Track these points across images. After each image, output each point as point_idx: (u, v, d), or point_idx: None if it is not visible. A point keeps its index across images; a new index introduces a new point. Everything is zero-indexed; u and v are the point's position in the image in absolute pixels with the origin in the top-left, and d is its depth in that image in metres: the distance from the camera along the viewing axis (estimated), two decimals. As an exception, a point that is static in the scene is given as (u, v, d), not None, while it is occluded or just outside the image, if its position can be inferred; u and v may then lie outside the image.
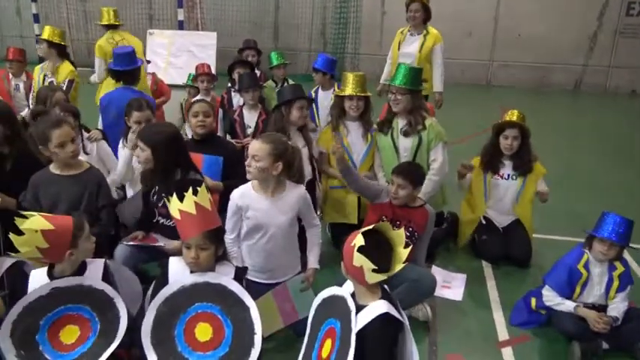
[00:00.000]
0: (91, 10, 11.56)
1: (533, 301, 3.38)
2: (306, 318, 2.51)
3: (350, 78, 3.94)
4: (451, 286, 3.76)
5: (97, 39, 6.23)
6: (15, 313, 2.43)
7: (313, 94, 5.16)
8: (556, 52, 10.88)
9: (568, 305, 3.17)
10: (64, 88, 5.03)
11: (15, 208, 2.97)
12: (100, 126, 4.38)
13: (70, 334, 2.49)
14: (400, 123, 3.99)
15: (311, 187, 3.70)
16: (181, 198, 2.45)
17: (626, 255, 3.52)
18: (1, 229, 2.47)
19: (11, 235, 2.36)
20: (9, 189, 3.03)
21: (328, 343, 2.33)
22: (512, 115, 4.10)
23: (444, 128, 4.06)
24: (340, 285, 2.42)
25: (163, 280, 2.58)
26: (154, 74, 6.29)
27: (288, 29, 11.64)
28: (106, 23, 6.20)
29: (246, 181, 2.98)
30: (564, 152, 6.95)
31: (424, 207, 3.48)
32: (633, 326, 3.11)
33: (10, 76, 6.12)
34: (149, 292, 2.71)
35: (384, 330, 2.20)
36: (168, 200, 2.54)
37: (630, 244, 3.14)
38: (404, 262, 2.21)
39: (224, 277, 2.56)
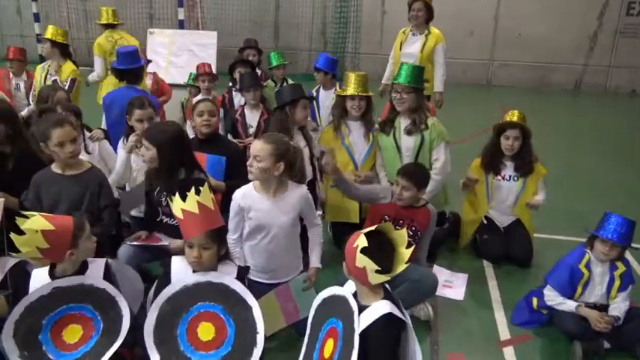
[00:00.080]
0: (92, 9, 11.54)
1: (535, 301, 3.38)
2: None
3: (352, 78, 3.94)
4: (452, 285, 3.77)
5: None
6: (17, 314, 2.44)
7: (314, 94, 5.17)
8: (556, 51, 10.88)
9: (570, 305, 3.17)
10: (67, 87, 5.04)
11: (17, 207, 2.97)
12: (103, 125, 4.38)
13: (72, 334, 2.50)
14: (403, 122, 3.99)
15: (311, 187, 3.70)
16: (185, 197, 2.46)
17: (628, 255, 3.52)
18: (4, 229, 2.45)
19: (12, 235, 2.37)
20: (11, 188, 3.02)
21: (330, 343, 2.33)
22: (513, 116, 4.10)
23: (444, 128, 4.06)
24: (341, 284, 2.42)
25: (166, 280, 2.59)
26: (154, 74, 6.29)
27: (289, 28, 11.63)
28: (105, 22, 6.23)
29: (248, 181, 2.98)
30: (564, 152, 6.95)
31: (426, 206, 3.49)
32: (634, 326, 3.11)
33: (11, 75, 6.12)
34: (151, 291, 2.73)
35: (387, 330, 2.20)
36: (172, 200, 2.55)
37: (632, 245, 3.14)
38: (406, 263, 2.22)
39: (226, 276, 2.56)
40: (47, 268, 2.57)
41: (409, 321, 2.28)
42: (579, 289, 3.21)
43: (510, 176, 4.13)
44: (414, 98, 3.91)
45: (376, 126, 4.12)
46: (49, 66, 5.64)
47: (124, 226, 3.63)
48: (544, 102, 9.96)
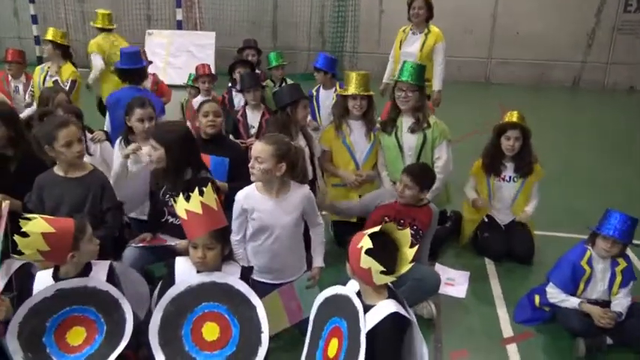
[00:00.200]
0: (89, 10, 11.48)
1: (537, 299, 3.40)
2: (311, 317, 2.52)
3: (353, 77, 3.95)
4: (454, 283, 3.78)
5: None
6: (21, 315, 2.44)
7: (314, 93, 5.18)
8: (554, 49, 10.89)
9: (572, 302, 3.19)
10: (67, 89, 5.04)
11: (20, 209, 2.97)
12: (105, 127, 4.38)
13: (76, 336, 2.51)
14: (405, 121, 4.00)
15: (311, 187, 3.70)
16: (189, 197, 2.46)
17: (629, 251, 3.53)
18: (8, 231, 2.46)
19: (16, 237, 2.37)
20: (14, 190, 3.02)
21: (334, 342, 2.34)
22: (513, 116, 4.11)
23: (446, 126, 4.06)
24: (344, 284, 2.43)
25: (170, 280, 2.59)
26: (154, 75, 6.30)
27: (287, 28, 11.63)
28: (100, 26, 6.27)
29: (251, 182, 2.98)
30: (563, 149, 6.97)
31: (428, 205, 3.50)
32: (636, 321, 3.13)
33: (10, 77, 6.11)
34: (156, 292, 2.73)
35: (393, 329, 2.21)
36: (175, 201, 2.55)
37: (633, 241, 3.16)
38: (410, 262, 2.23)
39: (230, 276, 2.57)
40: (51, 270, 2.57)
41: (414, 319, 2.29)
42: (581, 286, 3.23)
43: (510, 177, 4.15)
44: (418, 97, 3.92)
45: (377, 125, 4.13)
46: (49, 67, 5.65)
47: (125, 228, 3.63)
48: (542, 99, 9.98)
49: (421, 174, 3.43)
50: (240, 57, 5.76)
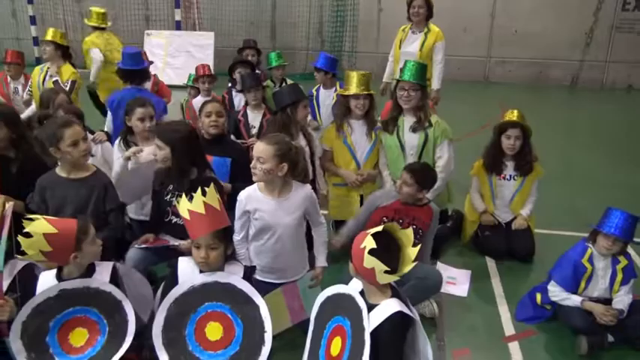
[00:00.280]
0: (87, 11, 11.43)
1: (539, 297, 3.41)
2: (314, 316, 2.53)
3: (354, 77, 3.95)
4: (456, 282, 3.79)
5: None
6: (24, 314, 2.45)
7: (314, 93, 5.19)
8: (553, 48, 10.91)
9: (574, 300, 3.20)
10: (67, 89, 5.04)
11: (22, 210, 2.97)
12: (105, 128, 4.38)
13: (79, 337, 2.51)
14: (407, 120, 4.00)
15: (311, 187, 3.71)
16: (193, 198, 2.47)
17: (629, 249, 3.54)
18: (12, 232, 2.46)
19: (19, 238, 2.38)
20: (15, 191, 3.02)
21: (337, 341, 2.35)
22: (513, 115, 4.12)
23: (448, 126, 4.06)
24: (345, 282, 2.44)
25: (173, 281, 2.61)
26: (154, 75, 6.30)
27: (286, 28, 11.64)
28: (95, 24, 6.30)
29: (252, 182, 2.99)
30: (562, 147, 6.98)
31: (429, 205, 3.51)
32: (638, 319, 3.13)
33: (9, 79, 6.10)
34: (159, 292, 2.74)
35: (397, 328, 2.23)
36: (178, 202, 2.56)
37: (634, 239, 3.17)
38: (413, 262, 2.24)
39: (233, 276, 2.58)
40: (55, 270, 2.58)
41: (418, 318, 2.30)
42: (582, 284, 3.24)
43: (511, 176, 4.17)
44: (420, 96, 3.93)
45: (378, 124, 4.13)
46: (48, 67, 5.64)
47: (128, 229, 3.63)
48: (541, 98, 9.99)
49: (421, 173, 3.43)
50: (240, 57, 5.76)
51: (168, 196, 3.20)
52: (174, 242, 3.12)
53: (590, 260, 3.22)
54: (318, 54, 5.33)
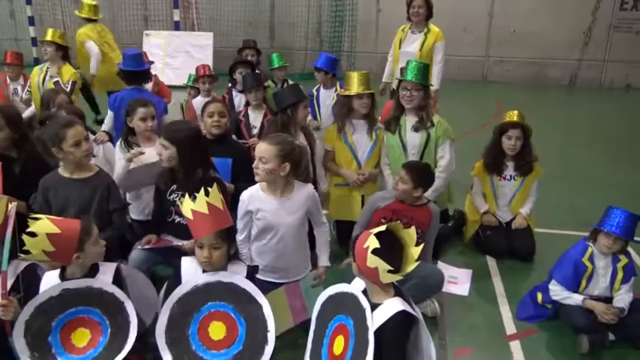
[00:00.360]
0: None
1: (540, 296, 3.42)
2: (316, 316, 2.53)
3: (356, 77, 3.96)
4: (457, 281, 3.80)
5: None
6: (27, 313, 2.45)
7: (315, 93, 5.20)
8: (551, 47, 10.93)
9: (576, 298, 3.21)
10: (68, 90, 5.05)
11: (25, 210, 2.98)
12: (103, 127, 4.38)
13: (81, 337, 2.51)
14: (409, 120, 4.02)
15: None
16: (207, 196, 2.47)
17: (629, 247, 3.55)
18: (15, 232, 2.47)
19: (24, 237, 2.38)
20: (18, 192, 3.02)
21: (340, 340, 2.35)
22: (513, 116, 4.14)
23: (449, 126, 4.07)
24: (347, 282, 2.45)
25: (176, 280, 2.61)
26: (155, 76, 6.31)
27: (284, 28, 11.64)
28: (86, 16, 6.33)
29: (254, 182, 2.99)
30: (560, 147, 6.98)
31: (427, 205, 3.51)
32: (638, 317, 3.15)
33: (8, 80, 6.09)
34: (162, 292, 2.74)
35: (401, 327, 2.24)
36: (181, 202, 2.56)
37: (634, 238, 3.19)
38: (416, 261, 2.25)
39: (236, 275, 2.58)
40: (58, 270, 2.58)
41: (421, 317, 2.30)
42: (583, 283, 3.25)
43: (511, 176, 4.19)
44: (422, 96, 3.94)
45: (379, 124, 4.14)
46: (48, 68, 5.64)
47: (128, 229, 3.63)
48: (539, 98, 10.00)
49: (418, 171, 3.43)
50: (240, 57, 5.76)
51: (172, 196, 3.20)
52: (177, 242, 3.12)
53: (591, 259, 3.24)
54: (317, 54, 5.35)
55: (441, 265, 3.94)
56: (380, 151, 4.11)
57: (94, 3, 6.59)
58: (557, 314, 3.36)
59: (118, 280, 2.61)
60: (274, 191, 2.93)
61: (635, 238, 3.20)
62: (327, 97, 5.11)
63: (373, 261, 2.17)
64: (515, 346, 3.18)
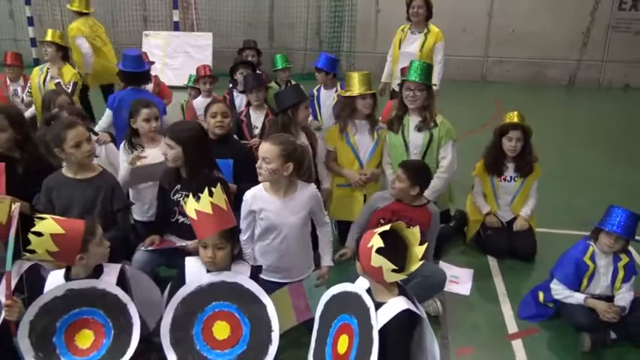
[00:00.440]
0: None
1: (541, 295, 3.44)
2: (320, 315, 2.54)
3: (357, 77, 3.97)
4: (459, 281, 3.81)
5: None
6: (32, 313, 2.45)
7: (315, 93, 5.21)
8: (550, 47, 10.94)
9: (577, 297, 3.23)
10: (70, 91, 5.05)
11: (28, 211, 2.98)
12: (97, 128, 4.39)
13: (84, 339, 2.51)
14: (412, 120, 4.03)
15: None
16: (211, 195, 2.48)
17: (630, 246, 3.57)
18: (20, 234, 2.47)
19: (30, 236, 2.38)
20: (21, 192, 3.03)
21: (344, 339, 2.36)
22: (514, 117, 4.15)
23: (452, 126, 4.10)
24: (352, 281, 2.46)
25: (180, 280, 2.61)
26: (156, 77, 6.32)
27: (283, 29, 11.64)
28: (76, 10, 6.34)
29: (257, 182, 3.00)
30: (559, 147, 6.99)
31: (426, 206, 3.51)
32: (639, 316, 3.17)
33: (8, 81, 6.09)
34: (165, 292, 2.75)
35: (405, 326, 2.25)
36: (185, 202, 2.57)
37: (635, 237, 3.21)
38: (420, 260, 2.26)
39: (240, 275, 2.59)
40: (63, 270, 2.58)
41: (425, 316, 2.32)
42: (585, 282, 3.27)
43: (512, 177, 4.20)
44: (425, 96, 3.95)
45: (380, 124, 4.16)
46: (48, 68, 5.63)
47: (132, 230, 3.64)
48: (539, 98, 10.02)
49: (414, 169, 3.43)
50: (240, 58, 5.77)
51: (176, 196, 3.20)
52: (181, 243, 3.13)
53: (592, 258, 3.25)
54: (317, 54, 5.36)
55: (443, 264, 3.95)
56: (382, 150, 4.13)
57: None
58: (559, 313, 3.38)
59: (123, 281, 2.61)
60: (277, 191, 2.94)
61: (636, 237, 3.22)
62: (327, 98, 5.13)
63: (377, 260, 2.18)
64: (518, 345, 3.19)
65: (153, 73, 6.39)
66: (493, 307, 3.57)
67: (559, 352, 3.17)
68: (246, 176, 3.38)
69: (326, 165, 4.11)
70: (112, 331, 2.51)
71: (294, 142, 2.98)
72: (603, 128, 8.19)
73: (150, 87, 5.92)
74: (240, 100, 5.19)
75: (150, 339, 2.65)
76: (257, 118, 4.56)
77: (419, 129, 3.98)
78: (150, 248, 3.14)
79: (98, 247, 2.54)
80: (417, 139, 4.00)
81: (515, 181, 4.19)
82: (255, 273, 2.66)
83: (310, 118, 4.72)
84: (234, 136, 4.16)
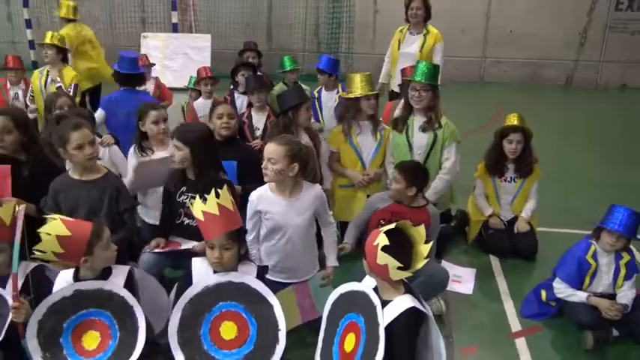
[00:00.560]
0: (83, 14, 11.27)
1: (544, 294, 3.47)
2: (325, 315, 2.56)
3: (359, 78, 4.00)
4: (461, 280, 3.84)
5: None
6: (40, 313, 2.47)
7: (316, 95, 5.22)
8: (547, 48, 10.98)
9: (580, 296, 3.26)
10: (71, 93, 5.06)
11: (34, 213, 2.99)
12: None
13: (91, 340, 2.52)
14: (417, 120, 4.06)
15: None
16: (216, 196, 2.50)
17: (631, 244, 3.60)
18: (25, 236, 2.48)
19: (42, 235, 2.39)
20: (27, 194, 3.04)
21: (351, 337, 2.39)
22: (514, 119, 4.18)
23: (456, 128, 4.12)
24: (357, 280, 2.48)
25: (187, 281, 2.62)
26: (157, 78, 6.35)
27: (282, 30, 11.63)
28: (64, 16, 6.47)
29: (262, 182, 3.02)
30: (556, 147, 7.00)
31: (426, 208, 3.53)
32: (641, 314, 3.21)
33: (8, 85, 6.08)
34: (172, 293, 2.76)
35: (411, 323, 2.27)
36: (191, 203, 2.58)
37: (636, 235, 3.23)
38: (425, 258, 2.29)
39: (247, 276, 2.61)
40: (72, 270, 2.59)
41: (431, 314, 2.34)
42: (587, 280, 3.30)
43: (512, 178, 4.24)
44: (431, 96, 3.98)
45: (382, 125, 4.18)
46: (48, 71, 5.63)
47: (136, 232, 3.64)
48: (536, 98, 10.04)
49: (410, 170, 3.46)
50: (241, 59, 5.79)
51: (182, 198, 3.21)
52: (187, 245, 3.14)
53: (594, 257, 3.28)
54: (315, 55, 5.39)
55: (445, 264, 3.97)
56: (384, 151, 4.15)
57: (72, 3, 6.68)
58: (561, 311, 3.40)
59: (130, 283, 2.62)
60: (283, 192, 2.96)
61: (638, 236, 3.24)
62: (329, 99, 5.14)
63: (383, 258, 2.21)
64: (521, 343, 3.22)
65: (153, 74, 6.43)
66: (496, 305, 3.59)
67: (562, 351, 3.19)
68: (250, 177, 3.40)
69: (329, 166, 4.13)
70: (118, 333, 2.52)
71: (300, 143, 3.01)
72: (600, 128, 8.22)
73: (151, 88, 5.95)
74: (241, 101, 5.21)
75: (156, 341, 2.66)
76: (259, 120, 4.58)
77: (423, 129, 4.01)
78: (156, 250, 3.14)
79: (104, 251, 2.55)
80: (421, 140, 4.02)
81: (515, 181, 4.23)
82: (262, 273, 2.68)
83: (312, 120, 4.73)
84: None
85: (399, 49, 5.59)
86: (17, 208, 2.58)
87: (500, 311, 3.53)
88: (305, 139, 3.86)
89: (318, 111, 5.14)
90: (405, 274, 2.26)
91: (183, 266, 2.81)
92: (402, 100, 4.48)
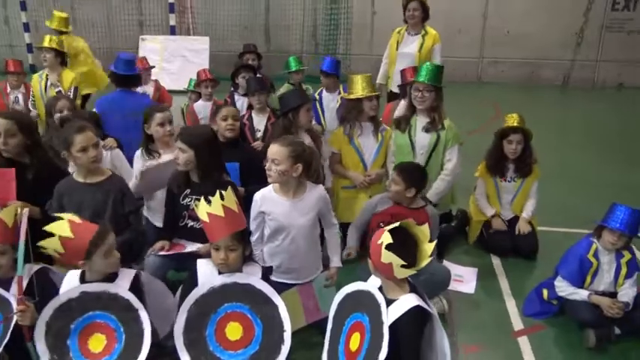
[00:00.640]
0: (81, 18, 11.46)
1: (545, 292, 3.49)
2: (330, 315, 2.57)
3: (361, 80, 4.02)
4: (463, 279, 3.86)
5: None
6: (47, 314, 2.48)
7: (317, 97, 5.24)
8: (544, 48, 11.02)
9: (582, 294, 3.28)
10: (71, 96, 5.06)
11: (39, 216, 3.00)
12: None
13: (97, 343, 2.52)
14: (420, 120, 4.08)
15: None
16: (221, 198, 2.51)
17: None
18: (29, 239, 2.49)
19: (52, 230, 2.39)
20: (31, 197, 3.04)
21: (356, 337, 2.40)
22: (514, 120, 4.20)
23: (458, 130, 4.15)
24: (361, 280, 2.50)
25: (192, 282, 2.63)
26: (156, 81, 6.35)
27: (279, 31, 11.64)
28: (56, 28, 6.50)
29: (265, 184, 3.03)
30: (554, 146, 7.01)
31: (425, 209, 3.55)
32: (642, 311, 3.23)
33: (8, 88, 6.08)
34: (177, 294, 2.77)
35: (415, 322, 2.29)
36: (196, 205, 2.59)
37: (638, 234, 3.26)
38: (430, 257, 2.30)
39: (252, 276, 2.62)
40: (80, 271, 2.59)
41: (435, 312, 2.36)
42: (588, 279, 3.32)
43: (512, 178, 4.26)
44: (434, 97, 4.00)
45: (383, 126, 4.20)
46: (47, 75, 5.63)
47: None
48: (533, 98, 10.07)
49: (408, 171, 3.47)
50: (241, 62, 5.80)
51: (185, 200, 3.22)
52: (191, 246, 3.14)
53: (596, 255, 3.30)
54: (313, 57, 5.41)
55: (447, 264, 3.98)
56: (386, 152, 4.17)
57: (64, 15, 6.71)
58: (563, 310, 3.43)
59: (137, 287, 2.61)
60: (287, 192, 2.98)
61: (639, 235, 3.27)
62: (330, 101, 5.16)
63: (387, 256, 2.23)
64: (524, 341, 3.24)
65: (152, 77, 6.43)
66: (498, 305, 3.61)
67: (564, 349, 3.21)
68: (254, 179, 3.41)
69: (330, 167, 4.14)
70: (124, 336, 2.52)
71: (302, 144, 3.03)
72: (598, 127, 8.24)
73: (150, 91, 5.96)
74: (241, 103, 5.23)
75: (161, 344, 2.67)
76: (259, 121, 4.59)
77: (426, 130, 4.03)
78: (161, 253, 3.15)
79: (104, 259, 2.51)
80: (423, 140, 4.05)
81: (514, 181, 4.25)
82: (266, 274, 2.69)
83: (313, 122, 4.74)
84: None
85: (397, 49, 5.61)
86: (20, 211, 2.59)
87: (502, 310, 3.55)
88: (307, 140, 3.87)
89: (319, 112, 5.15)
90: (409, 273, 2.27)
91: (186, 268, 2.81)
92: (402, 101, 4.51)
